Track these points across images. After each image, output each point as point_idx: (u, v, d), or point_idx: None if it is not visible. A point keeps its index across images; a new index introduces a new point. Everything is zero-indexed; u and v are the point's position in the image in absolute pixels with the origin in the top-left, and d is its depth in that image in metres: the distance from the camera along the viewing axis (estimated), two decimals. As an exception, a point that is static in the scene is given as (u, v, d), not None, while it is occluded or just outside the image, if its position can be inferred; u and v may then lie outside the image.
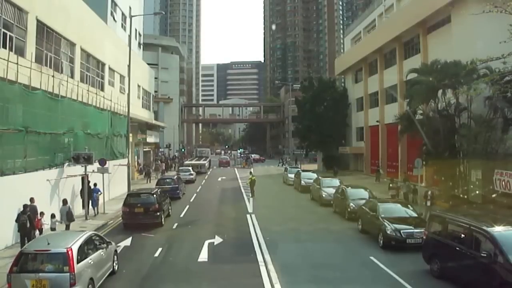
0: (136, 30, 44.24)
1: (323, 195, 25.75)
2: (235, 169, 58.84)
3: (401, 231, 15.44)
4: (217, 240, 17.15)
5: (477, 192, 22.06)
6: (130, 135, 36.75)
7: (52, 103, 20.14)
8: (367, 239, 17.23)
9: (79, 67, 25.19)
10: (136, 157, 42.95)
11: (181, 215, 23.21)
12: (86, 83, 26.30)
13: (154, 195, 20.42)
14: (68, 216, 17.57)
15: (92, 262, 11.14)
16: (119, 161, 30.00)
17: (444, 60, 24.34)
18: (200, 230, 19.57)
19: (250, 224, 20.44)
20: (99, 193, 23.03)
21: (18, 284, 9.95)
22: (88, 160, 21.89)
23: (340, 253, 15.72)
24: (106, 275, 12.23)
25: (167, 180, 30.19)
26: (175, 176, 32.65)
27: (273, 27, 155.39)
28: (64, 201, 18.22)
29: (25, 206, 15.59)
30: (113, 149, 29.65)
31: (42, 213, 16.39)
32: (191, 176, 38.83)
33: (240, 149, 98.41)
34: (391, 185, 26.30)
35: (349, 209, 21.08)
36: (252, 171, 36.24)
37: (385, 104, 40.22)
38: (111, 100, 29.30)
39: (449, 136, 23.78)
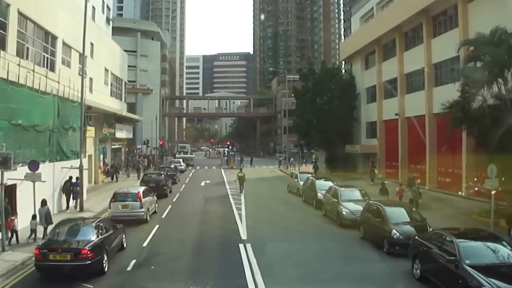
0: (103, 1, 36.78)
1: (344, 213, 18.75)
2: (222, 170, 51.47)
3: None
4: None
5: None
6: (91, 129, 30.24)
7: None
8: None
9: (15, 36, 18.74)
10: (101, 155, 35.52)
11: (144, 244, 15.86)
12: (27, 59, 19.76)
13: (163, 175, 30.10)
14: (46, 218, 16.33)
15: (148, 200, 21.04)
16: (71, 162, 22.99)
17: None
18: (167, 278, 12.44)
19: (245, 266, 13.13)
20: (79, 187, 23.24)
21: (115, 206, 19.98)
22: (3, 164, 14.74)
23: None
24: (152, 211, 21.66)
25: (166, 169, 37.30)
26: (173, 166, 40.78)
27: (262, 15, 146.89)
28: (43, 202, 16.66)
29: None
30: (61, 147, 22.42)
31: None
32: (181, 167, 46.63)
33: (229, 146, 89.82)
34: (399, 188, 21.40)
35: (391, 238, 14.33)
36: (242, 169, 34.49)
37: (405, 94, 33.32)
38: (58, 82, 22.08)
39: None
